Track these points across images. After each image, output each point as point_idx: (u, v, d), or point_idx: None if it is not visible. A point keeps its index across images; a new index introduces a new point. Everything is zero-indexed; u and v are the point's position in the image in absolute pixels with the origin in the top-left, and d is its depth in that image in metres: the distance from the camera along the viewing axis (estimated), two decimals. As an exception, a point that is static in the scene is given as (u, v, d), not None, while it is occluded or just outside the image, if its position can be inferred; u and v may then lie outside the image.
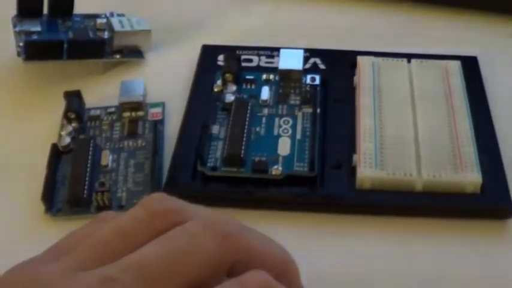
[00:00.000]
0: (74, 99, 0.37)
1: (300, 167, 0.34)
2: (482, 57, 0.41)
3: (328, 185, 0.33)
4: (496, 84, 0.40)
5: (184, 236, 0.22)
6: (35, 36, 0.39)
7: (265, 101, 0.37)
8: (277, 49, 0.40)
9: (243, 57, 0.40)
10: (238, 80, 0.38)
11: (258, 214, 0.33)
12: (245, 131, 0.35)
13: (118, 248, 0.22)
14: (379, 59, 0.39)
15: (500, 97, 0.39)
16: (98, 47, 0.40)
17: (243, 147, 0.34)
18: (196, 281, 0.22)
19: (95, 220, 0.25)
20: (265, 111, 0.37)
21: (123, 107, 0.37)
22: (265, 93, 0.38)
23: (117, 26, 0.41)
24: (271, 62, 0.40)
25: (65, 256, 0.23)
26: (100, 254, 0.22)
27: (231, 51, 0.40)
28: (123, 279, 0.21)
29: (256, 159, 0.34)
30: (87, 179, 0.33)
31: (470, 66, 0.40)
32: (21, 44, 0.39)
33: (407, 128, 0.35)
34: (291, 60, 0.39)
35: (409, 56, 0.40)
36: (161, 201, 0.24)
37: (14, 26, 0.40)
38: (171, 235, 0.22)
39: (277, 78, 0.38)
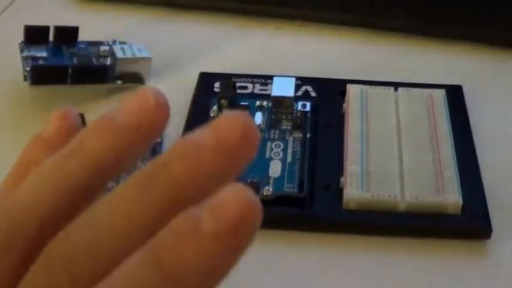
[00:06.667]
0: (77, 122, 0.39)
1: (290, 188, 0.35)
2: (467, 86, 0.42)
3: (316, 205, 0.35)
4: (479, 112, 0.41)
5: None
6: (41, 62, 0.41)
7: (258, 125, 0.39)
8: (271, 77, 0.41)
9: (238, 84, 0.42)
10: (233, 106, 0.40)
11: (249, 232, 0.34)
12: (238, 153, 0.37)
13: None
14: (368, 87, 0.41)
15: (483, 124, 0.40)
16: (101, 73, 0.42)
17: (236, 169, 0.36)
18: None
19: None
20: (258, 135, 0.38)
21: (123, 130, 0.39)
22: (258, 118, 0.39)
23: (119, 53, 0.42)
24: (265, 89, 0.42)
25: None
26: None
27: (227, 78, 0.42)
28: None
29: (249, 180, 0.35)
30: (88, 197, 0.35)
31: (455, 95, 0.41)
32: (27, 69, 0.41)
33: (392, 152, 0.37)
34: (283, 87, 0.40)
35: (396, 85, 0.41)
36: None
37: (21, 51, 0.41)
38: None
39: (270, 104, 0.40)
